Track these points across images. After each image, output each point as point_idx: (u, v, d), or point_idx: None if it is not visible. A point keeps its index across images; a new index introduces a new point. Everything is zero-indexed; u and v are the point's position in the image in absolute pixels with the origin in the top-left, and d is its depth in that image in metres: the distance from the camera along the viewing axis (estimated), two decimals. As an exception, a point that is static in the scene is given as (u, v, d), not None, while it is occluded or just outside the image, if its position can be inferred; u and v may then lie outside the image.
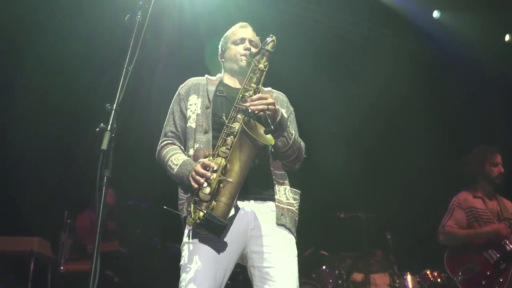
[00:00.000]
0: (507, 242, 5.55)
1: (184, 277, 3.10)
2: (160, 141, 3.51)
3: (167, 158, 3.36)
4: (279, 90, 3.79)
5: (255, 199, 3.26)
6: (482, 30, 9.37)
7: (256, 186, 3.28)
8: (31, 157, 7.62)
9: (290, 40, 8.33)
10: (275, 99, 3.46)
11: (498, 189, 6.05)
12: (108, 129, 2.71)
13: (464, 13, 9.28)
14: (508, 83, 10.18)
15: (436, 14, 9.53)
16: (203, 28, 7.97)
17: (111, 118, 2.75)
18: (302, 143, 3.50)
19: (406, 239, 8.60)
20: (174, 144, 3.47)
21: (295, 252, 3.28)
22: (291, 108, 3.69)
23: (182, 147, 3.47)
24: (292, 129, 3.47)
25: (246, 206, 3.24)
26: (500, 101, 10.35)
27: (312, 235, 7.71)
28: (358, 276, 8.24)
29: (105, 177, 2.65)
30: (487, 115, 10.26)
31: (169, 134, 3.50)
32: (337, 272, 7.99)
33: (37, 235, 6.38)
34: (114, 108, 2.79)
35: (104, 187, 2.64)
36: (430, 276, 7.48)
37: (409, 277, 7.68)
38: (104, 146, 2.65)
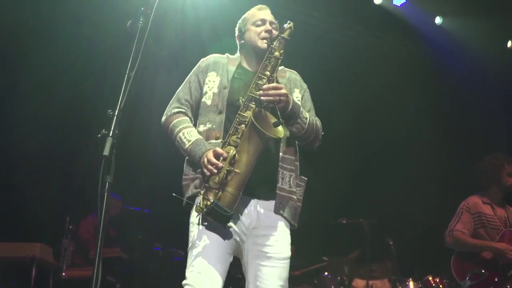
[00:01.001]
0: None
1: (193, 253, 3.15)
2: (172, 106, 3.50)
3: (178, 128, 3.36)
4: None
5: (259, 197, 3.28)
6: (485, 37, 9.37)
7: (261, 184, 3.28)
8: (32, 163, 7.62)
9: (291, 45, 8.34)
10: (288, 80, 3.51)
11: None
12: (110, 135, 2.71)
13: (466, 19, 9.28)
14: (510, 89, 10.18)
15: (438, 20, 9.53)
16: (206, 33, 7.98)
17: (113, 124, 2.75)
18: (318, 122, 3.50)
19: (408, 245, 8.57)
20: (187, 115, 3.46)
21: (289, 253, 3.31)
22: (305, 86, 3.69)
23: (193, 119, 3.47)
24: (307, 108, 3.49)
25: (250, 201, 3.26)
26: (502, 106, 10.36)
27: (314, 241, 7.71)
28: (360, 283, 8.21)
29: (107, 183, 2.65)
30: (490, 120, 10.27)
31: (183, 101, 3.49)
32: (339, 278, 7.97)
33: (38, 241, 6.38)
34: (116, 114, 2.79)
35: (106, 193, 2.64)
36: (432, 283, 7.42)
37: (411, 283, 7.63)
38: (106, 152, 2.66)
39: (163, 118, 3.49)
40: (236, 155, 3.09)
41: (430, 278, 7.42)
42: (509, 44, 10.00)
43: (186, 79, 3.59)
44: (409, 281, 7.66)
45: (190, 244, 3.23)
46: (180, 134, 3.32)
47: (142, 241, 7.61)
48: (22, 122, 7.50)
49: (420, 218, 9.23)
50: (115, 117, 2.78)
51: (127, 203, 7.84)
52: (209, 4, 8.03)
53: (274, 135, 3.11)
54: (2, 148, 7.32)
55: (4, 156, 7.33)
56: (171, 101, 3.54)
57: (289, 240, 3.34)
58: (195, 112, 3.50)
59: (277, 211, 3.27)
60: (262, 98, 3.13)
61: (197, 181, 3.25)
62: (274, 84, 3.25)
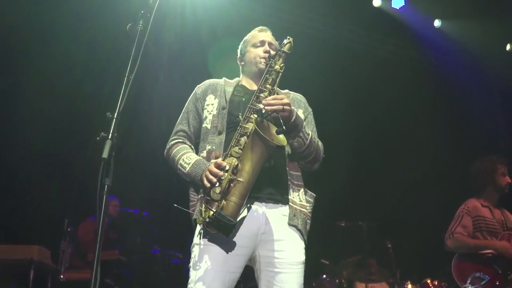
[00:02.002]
0: None
1: (194, 277, 3.10)
2: (171, 139, 3.51)
3: (178, 156, 3.35)
4: None
5: (267, 201, 3.26)
6: (484, 40, 9.39)
7: (269, 188, 3.27)
8: (31, 166, 7.62)
9: (292, 49, 8.35)
10: (292, 100, 3.48)
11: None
12: (109, 137, 2.70)
13: (465, 22, 9.30)
14: (510, 91, 10.20)
15: (437, 23, 9.56)
16: (205, 35, 7.99)
17: (112, 127, 2.74)
18: (320, 144, 3.49)
19: (407, 248, 8.58)
20: (185, 143, 3.46)
21: (303, 258, 3.28)
22: (310, 109, 3.68)
23: (193, 147, 3.47)
24: (310, 129, 3.47)
25: (258, 209, 3.23)
26: (501, 109, 10.37)
27: (313, 244, 7.70)
28: (359, 286, 8.21)
29: (106, 185, 2.64)
30: (489, 123, 10.28)
31: (181, 133, 3.50)
32: (337, 281, 7.97)
33: (37, 243, 6.37)
34: (115, 117, 2.78)
35: (104, 196, 2.63)
36: (430, 285, 7.43)
37: (409, 286, 7.66)
38: (105, 154, 2.65)
39: (164, 152, 3.50)
40: (239, 164, 3.07)
41: (429, 281, 7.43)
42: (508, 47, 10.02)
43: (184, 108, 3.59)
44: (407, 284, 7.68)
45: (191, 263, 3.19)
46: (180, 161, 3.32)
47: (140, 244, 7.61)
48: (20, 124, 7.51)
49: (419, 221, 9.24)
50: (114, 119, 2.77)
51: (126, 205, 7.85)
52: (208, 7, 8.04)
53: (277, 142, 3.10)
54: (1, 151, 7.32)
55: (3, 158, 7.33)
56: (171, 135, 3.55)
57: (303, 244, 3.31)
58: (196, 141, 3.50)
59: (291, 222, 3.25)
60: (266, 108, 3.11)
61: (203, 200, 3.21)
62: (276, 95, 3.25)
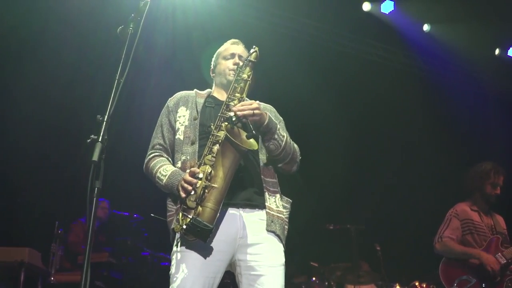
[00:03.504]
0: (501, 255, 5.57)
1: (174, 283, 3.13)
2: (148, 154, 3.55)
3: (155, 169, 3.39)
4: (272, 103, 3.83)
5: (244, 206, 3.29)
6: (473, 44, 9.45)
7: (245, 193, 3.31)
8: (21, 168, 7.62)
9: (283, 53, 8.40)
10: (263, 110, 3.50)
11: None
12: (99, 140, 2.71)
13: (454, 27, 9.36)
14: (499, 96, 10.28)
15: (426, 27, 9.61)
16: (196, 39, 8.02)
17: (102, 130, 2.75)
18: (296, 146, 3.54)
19: (395, 251, 8.62)
20: (162, 156, 3.50)
21: (283, 260, 3.31)
22: (280, 118, 3.73)
23: (170, 159, 3.51)
24: (284, 132, 3.50)
25: (235, 214, 3.27)
26: (491, 113, 10.43)
27: (302, 247, 7.74)
28: (347, 288, 8.25)
29: (96, 188, 2.64)
30: (480, 127, 10.34)
31: (157, 146, 3.54)
32: (326, 283, 8.00)
33: (27, 245, 6.36)
34: (105, 120, 2.78)
35: (95, 199, 2.63)
36: (419, 288, 7.50)
37: (398, 289, 7.71)
38: (95, 157, 2.65)
39: (144, 168, 3.55)
40: (212, 171, 3.11)
41: (417, 284, 7.48)
42: (497, 51, 10.09)
43: (158, 122, 3.63)
44: (396, 286, 7.72)
45: (171, 270, 3.22)
46: (158, 174, 3.36)
47: (130, 246, 7.61)
48: (11, 126, 7.51)
49: (408, 224, 9.29)
50: (105, 122, 2.78)
51: (116, 208, 7.86)
52: (199, 11, 8.06)
53: (248, 146, 3.16)
54: (-9, 153, 7.33)
55: (-6, 161, 7.34)
56: (148, 149, 3.59)
57: (282, 247, 3.34)
58: (173, 153, 3.53)
59: (269, 228, 3.28)
60: (237, 113, 3.16)
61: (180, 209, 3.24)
62: (245, 102, 3.31)
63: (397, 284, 7.73)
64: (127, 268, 7.61)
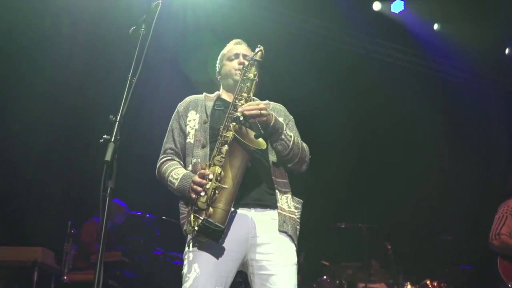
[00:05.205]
0: None
1: (186, 283, 3.15)
2: (160, 158, 3.57)
3: (167, 173, 3.42)
4: (282, 103, 3.84)
5: (255, 206, 3.31)
6: (483, 43, 9.43)
7: (256, 193, 3.33)
8: (35, 168, 7.68)
9: (292, 53, 8.43)
10: (271, 110, 3.54)
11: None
12: (112, 140, 2.73)
13: (464, 26, 9.34)
14: (509, 95, 10.25)
15: (436, 27, 9.61)
16: (206, 40, 8.04)
17: (115, 130, 2.77)
18: (305, 145, 3.54)
19: (406, 249, 8.61)
20: (173, 159, 3.53)
21: (295, 259, 3.32)
22: (290, 117, 3.75)
23: (182, 163, 3.53)
24: (292, 132, 3.51)
25: (247, 214, 3.29)
26: (503, 112, 10.41)
27: (313, 245, 7.75)
28: (359, 286, 8.24)
29: (109, 188, 2.66)
30: (489, 126, 10.32)
31: (168, 151, 3.56)
32: (337, 282, 8.00)
33: (40, 245, 6.40)
34: (118, 120, 2.81)
35: (108, 198, 2.66)
36: (430, 286, 7.48)
37: (409, 287, 7.70)
38: (108, 157, 2.67)
39: (156, 172, 3.58)
40: (222, 171, 3.12)
41: (428, 282, 7.48)
42: (507, 51, 10.07)
43: (169, 127, 3.65)
44: (407, 285, 7.72)
45: (183, 270, 3.24)
46: (170, 178, 3.39)
47: (143, 245, 7.63)
48: (24, 127, 7.56)
49: (419, 222, 9.27)
50: (117, 122, 2.80)
51: (129, 207, 7.88)
52: (209, 12, 8.10)
53: (256, 145, 3.17)
54: (4, 153, 7.37)
55: (7, 160, 7.38)
56: (160, 154, 3.62)
57: (294, 247, 3.36)
58: (183, 155, 3.55)
59: (281, 228, 3.30)
60: (244, 113, 3.18)
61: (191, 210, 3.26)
62: (251, 102, 3.34)
63: (408, 283, 7.71)
64: (139, 267, 7.63)
